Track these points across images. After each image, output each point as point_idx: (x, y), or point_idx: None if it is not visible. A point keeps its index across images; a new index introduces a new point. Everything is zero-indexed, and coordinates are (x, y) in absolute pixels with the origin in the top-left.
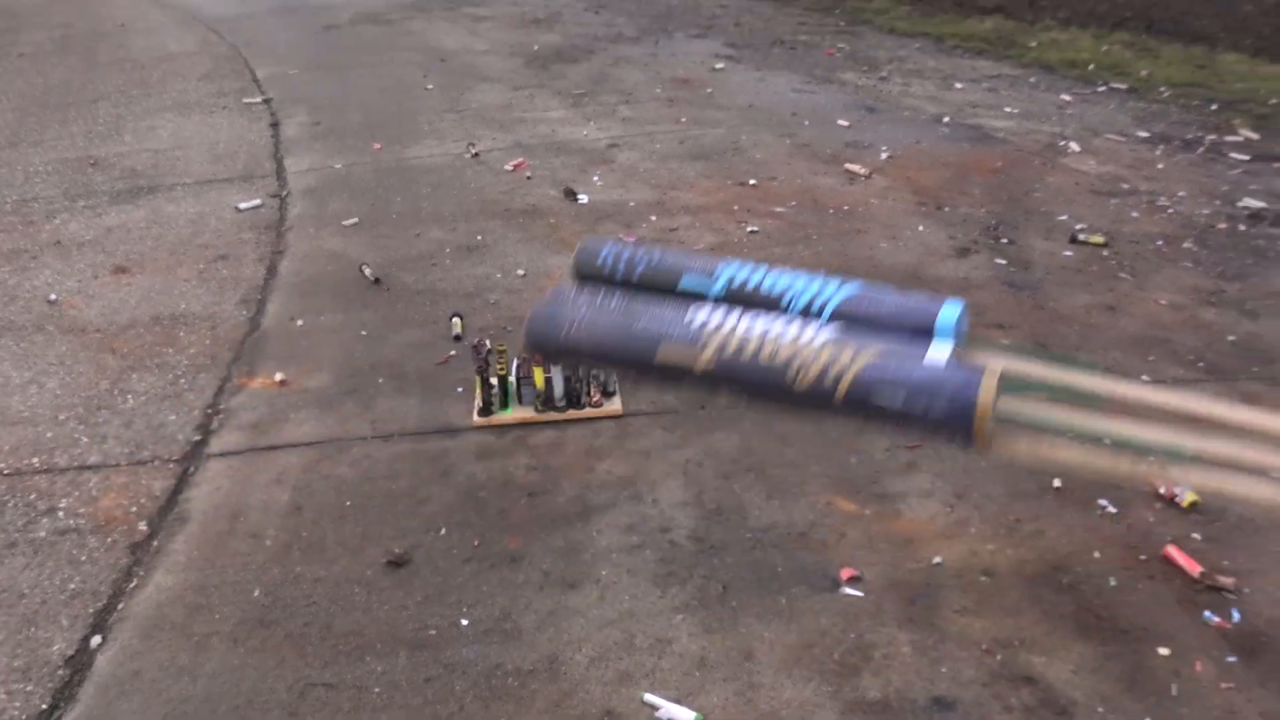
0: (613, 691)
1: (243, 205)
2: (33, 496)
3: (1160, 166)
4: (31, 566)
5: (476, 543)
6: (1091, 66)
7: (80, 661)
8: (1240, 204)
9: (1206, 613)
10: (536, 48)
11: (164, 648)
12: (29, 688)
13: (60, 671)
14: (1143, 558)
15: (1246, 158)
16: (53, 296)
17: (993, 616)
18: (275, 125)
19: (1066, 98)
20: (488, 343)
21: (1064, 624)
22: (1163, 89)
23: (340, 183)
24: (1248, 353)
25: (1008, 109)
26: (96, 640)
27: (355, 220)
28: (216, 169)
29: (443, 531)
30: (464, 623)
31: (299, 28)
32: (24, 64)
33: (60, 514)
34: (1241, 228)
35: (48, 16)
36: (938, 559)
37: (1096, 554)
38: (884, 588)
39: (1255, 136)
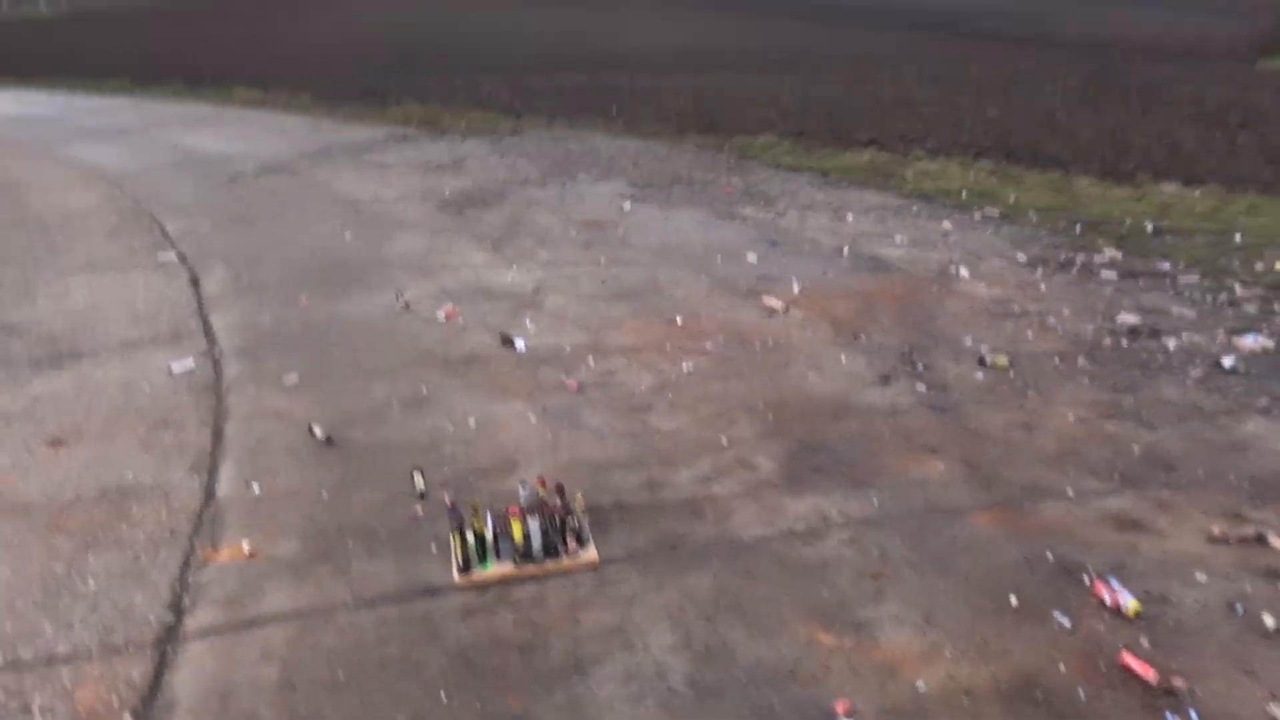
0: None
1: (176, 367)
2: (1, 697)
3: (1043, 288)
4: None
5: (479, 705)
6: (964, 194)
7: None
8: (1119, 319)
9: (1169, 715)
10: (447, 193)
11: None
12: None
13: None
14: (1102, 668)
15: (1115, 275)
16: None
17: None
18: (195, 282)
19: (948, 225)
20: (460, 498)
21: None
22: (1030, 213)
23: (272, 339)
24: (1153, 462)
25: (898, 238)
26: None
27: (295, 378)
28: (140, 331)
29: (443, 697)
30: None
31: (203, 181)
32: None
33: (36, 713)
34: (1124, 342)
35: None
36: (921, 684)
37: (1061, 667)
38: (877, 717)
39: (1118, 255)
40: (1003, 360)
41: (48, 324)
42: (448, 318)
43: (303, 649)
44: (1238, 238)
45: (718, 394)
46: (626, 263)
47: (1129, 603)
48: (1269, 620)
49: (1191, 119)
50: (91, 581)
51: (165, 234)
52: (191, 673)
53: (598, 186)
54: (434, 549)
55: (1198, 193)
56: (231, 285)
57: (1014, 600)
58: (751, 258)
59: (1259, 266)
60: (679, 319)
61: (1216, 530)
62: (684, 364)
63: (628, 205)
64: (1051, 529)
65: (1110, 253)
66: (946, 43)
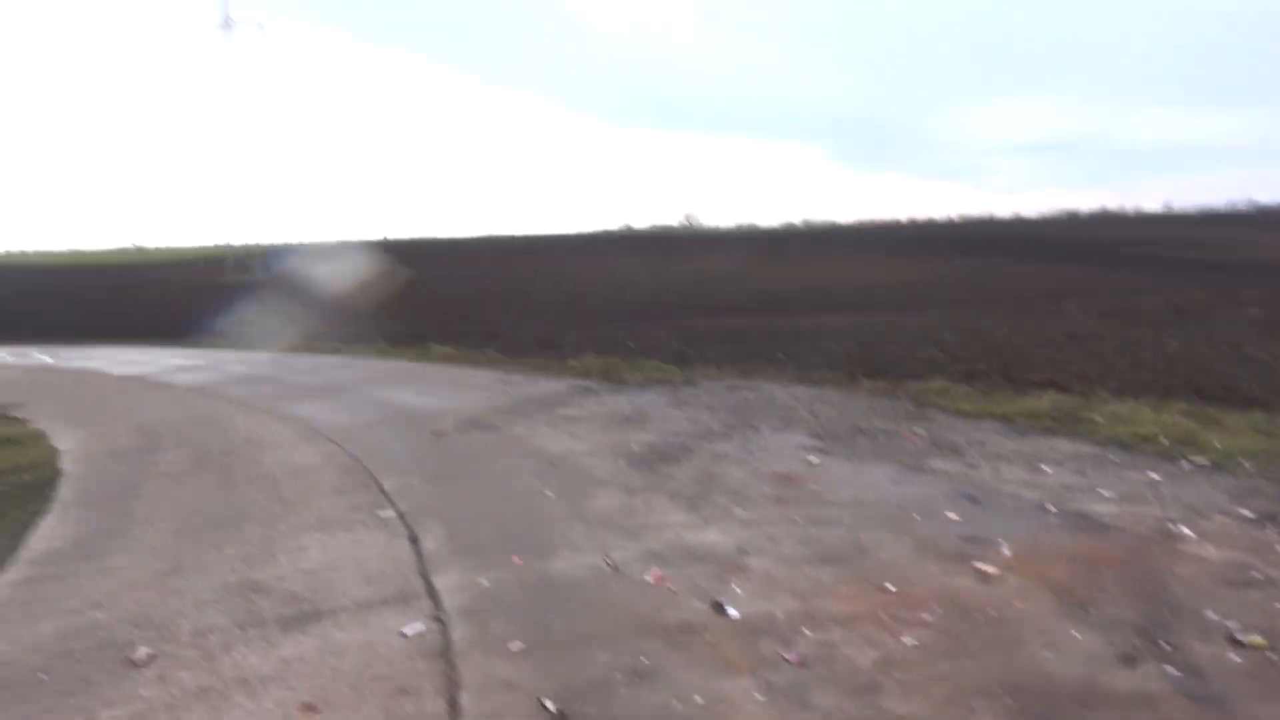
0: None
1: (407, 631)
2: None
3: (1278, 546)
4: None
5: None
6: (1164, 440)
7: None
8: None
9: None
10: (635, 448)
11: None
12: None
13: None
14: None
15: None
16: None
17: None
18: (414, 540)
19: (1155, 476)
20: None
21: None
22: (1243, 461)
23: (492, 601)
24: None
25: (1103, 491)
26: None
27: (519, 644)
28: (370, 591)
29: None
30: None
31: (410, 437)
32: (168, 483)
33: None
34: None
35: (182, 433)
36: None
37: None
38: None
39: None
40: (1258, 640)
41: (289, 582)
42: (655, 581)
43: None
44: None
45: (948, 673)
46: (824, 522)
47: None
48: None
49: None
50: None
51: (383, 491)
52: None
53: (780, 438)
54: None
55: None
56: (447, 544)
57: None
58: (952, 515)
59: None
60: (890, 585)
61: None
62: (905, 638)
63: (814, 459)
64: None
65: None
66: (1107, 274)
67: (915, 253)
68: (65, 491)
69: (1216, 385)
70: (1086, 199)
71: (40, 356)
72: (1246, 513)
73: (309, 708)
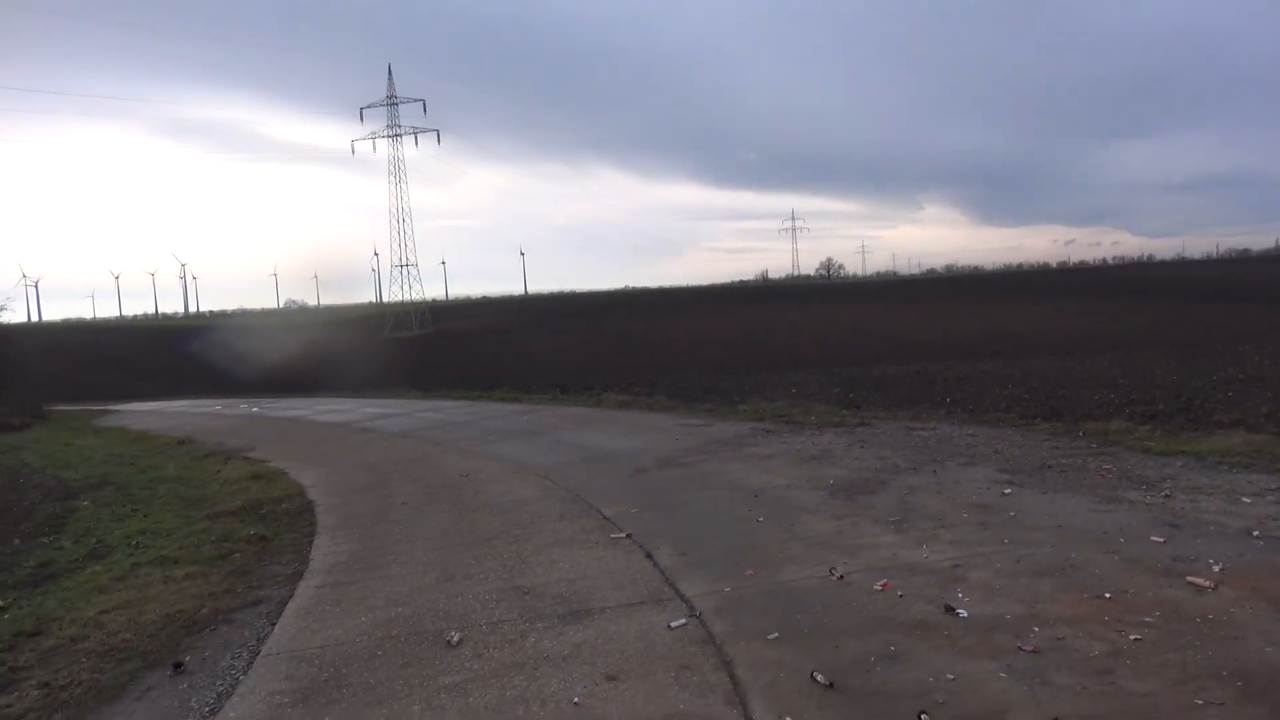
0: None
1: (673, 625)
2: None
3: None
4: None
5: None
6: None
7: None
8: None
9: None
10: (831, 481)
11: None
12: None
13: None
14: None
15: None
16: (576, 699)
17: None
18: (649, 556)
19: None
20: None
21: None
22: None
23: (739, 603)
24: None
25: None
26: None
27: (776, 634)
28: (626, 594)
29: None
30: None
31: (614, 473)
32: (409, 512)
33: None
34: None
35: (404, 470)
36: None
37: None
38: None
39: None
40: None
41: (553, 587)
42: (884, 589)
43: None
44: None
45: (1176, 662)
46: (1030, 543)
47: None
48: None
49: None
50: None
51: (605, 517)
52: None
53: (968, 472)
54: None
55: None
56: (680, 559)
57: None
58: (1156, 538)
59: None
60: (1107, 594)
61: None
62: (1130, 634)
63: (1008, 490)
64: None
65: None
66: (1274, 315)
67: (1068, 297)
68: (325, 518)
69: None
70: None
71: (246, 407)
72: None
73: (610, 677)
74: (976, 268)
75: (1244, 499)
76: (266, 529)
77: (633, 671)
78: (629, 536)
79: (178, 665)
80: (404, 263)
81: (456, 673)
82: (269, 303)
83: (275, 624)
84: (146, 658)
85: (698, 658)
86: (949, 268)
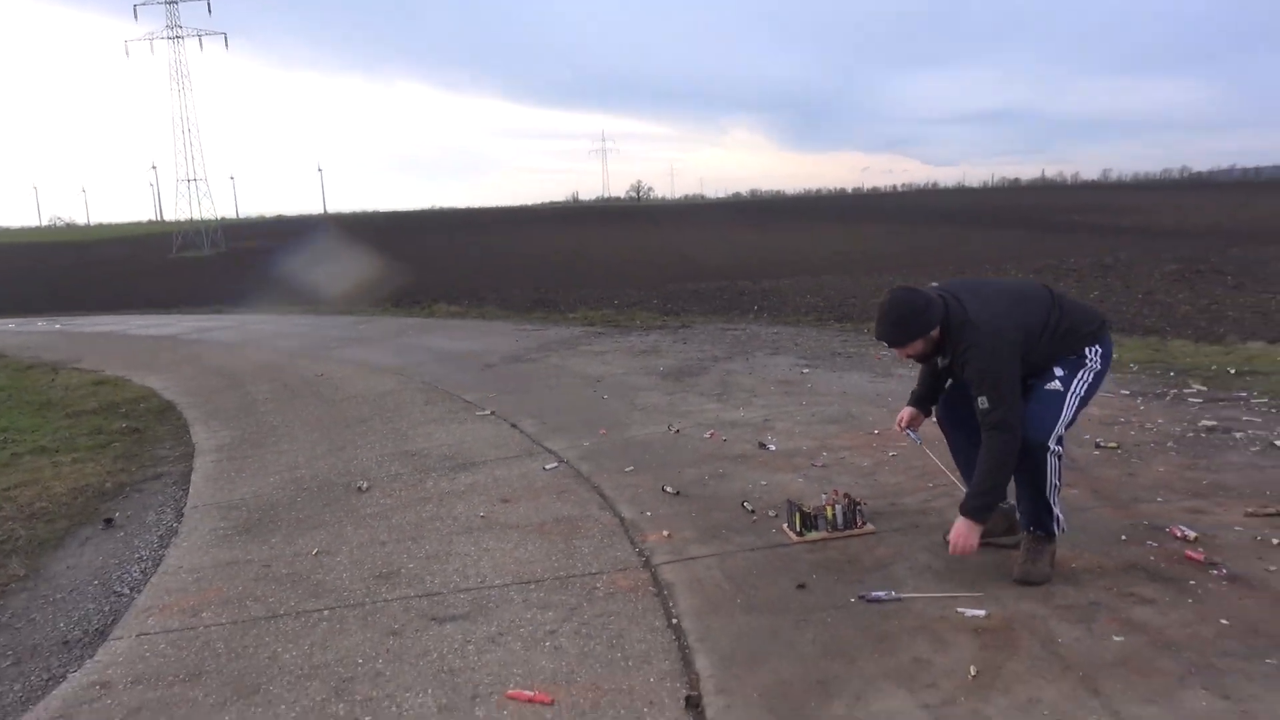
0: None
1: (547, 467)
2: (578, 588)
3: (1142, 408)
4: (609, 616)
5: (829, 585)
6: None
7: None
8: (1200, 423)
9: None
10: (661, 369)
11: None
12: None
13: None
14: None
15: (1201, 400)
16: (481, 514)
17: None
18: (515, 426)
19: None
20: (792, 501)
21: None
22: (1131, 365)
23: (598, 452)
24: (1217, 486)
25: None
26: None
27: (631, 467)
28: (503, 452)
29: (809, 581)
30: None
31: (465, 369)
32: (276, 405)
33: (598, 589)
34: (1203, 435)
35: (257, 374)
36: None
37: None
38: None
39: (1204, 388)
40: (1113, 444)
41: (439, 450)
42: (712, 437)
43: (725, 565)
44: None
45: (917, 467)
46: (823, 404)
47: (1192, 535)
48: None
49: None
50: (586, 548)
51: (467, 401)
52: (672, 574)
53: (775, 359)
54: (774, 533)
55: None
56: (543, 427)
57: (1123, 537)
58: None
59: None
60: (876, 431)
61: (1251, 510)
62: (889, 453)
63: (806, 370)
64: (1148, 515)
65: (1198, 387)
66: (1043, 239)
67: (862, 221)
68: (191, 413)
69: (1124, 321)
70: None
71: (45, 324)
72: (1124, 391)
73: (505, 500)
74: (779, 192)
75: None
76: (135, 423)
77: (522, 495)
78: (493, 413)
79: (108, 520)
80: (191, 177)
81: (374, 506)
82: (29, 220)
83: (187, 489)
84: (73, 519)
85: (572, 485)
86: (754, 192)
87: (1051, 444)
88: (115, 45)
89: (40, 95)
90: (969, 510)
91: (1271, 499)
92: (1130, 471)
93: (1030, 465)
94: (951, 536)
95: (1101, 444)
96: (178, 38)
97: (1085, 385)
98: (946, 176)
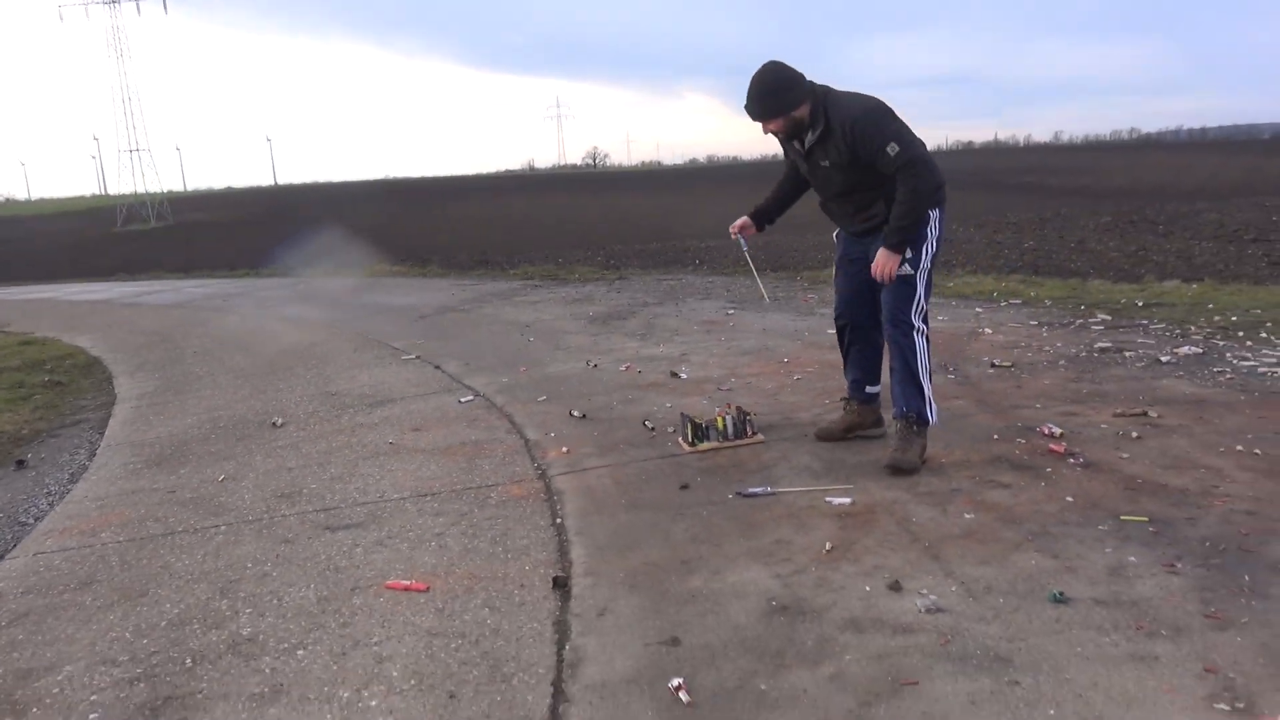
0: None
1: (462, 400)
2: (472, 498)
3: (1045, 335)
4: (497, 519)
5: (713, 486)
6: (995, 294)
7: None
8: (1096, 345)
9: None
10: (591, 314)
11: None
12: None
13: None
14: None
15: (1102, 328)
16: (390, 440)
17: None
18: (438, 368)
19: (979, 310)
20: (685, 414)
21: None
22: (1046, 301)
23: (515, 386)
24: (1094, 394)
25: (941, 316)
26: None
27: (544, 397)
28: (421, 389)
29: (694, 483)
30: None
31: (397, 320)
32: (204, 357)
33: (492, 498)
34: (1095, 354)
35: (187, 331)
36: None
37: (1018, 453)
38: None
39: (1109, 318)
40: (1008, 363)
41: (358, 390)
42: (627, 369)
43: (616, 474)
44: (1210, 306)
45: (818, 388)
46: (741, 339)
47: (1058, 431)
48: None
49: (1210, 239)
50: (487, 465)
51: (394, 348)
52: (565, 483)
53: (703, 304)
54: (669, 445)
55: (1194, 286)
56: (466, 368)
57: (994, 436)
58: (831, 331)
59: (1217, 319)
60: (786, 359)
61: (1119, 411)
62: (794, 377)
63: (731, 311)
64: (1023, 419)
65: (1103, 316)
66: (992, 199)
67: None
68: (117, 367)
69: (1052, 266)
70: (982, 132)
71: None
72: (1033, 322)
73: (416, 429)
74: (736, 158)
75: None
76: (60, 378)
77: (433, 424)
78: (418, 358)
79: (20, 463)
80: (133, 148)
81: (286, 439)
82: None
83: (104, 432)
84: None
85: (484, 414)
86: (710, 158)
87: (916, 322)
88: (49, 11)
89: None
90: (890, 245)
91: (1144, 404)
92: (1017, 385)
93: (900, 349)
94: (873, 266)
95: (997, 364)
96: (113, 1)
97: (930, 257)
98: None
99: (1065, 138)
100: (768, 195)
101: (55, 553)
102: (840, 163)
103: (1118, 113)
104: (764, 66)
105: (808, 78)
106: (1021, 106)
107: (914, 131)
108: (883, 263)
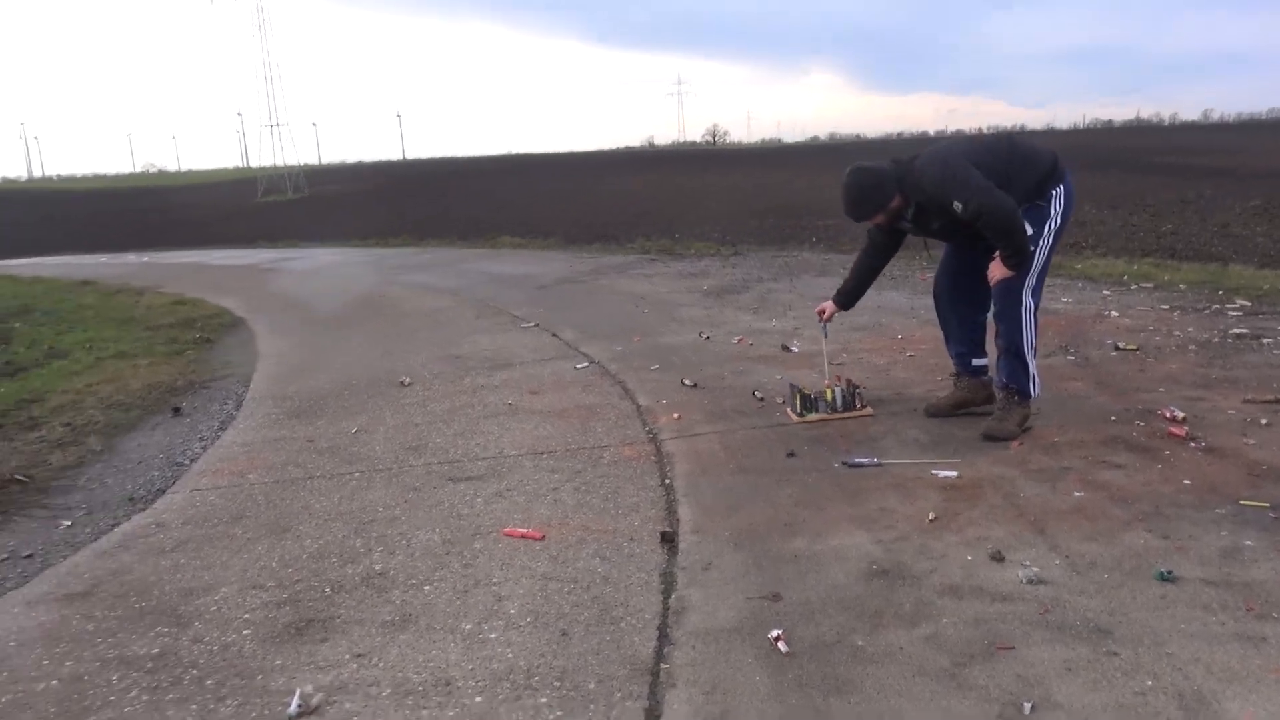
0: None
1: (578, 366)
2: (585, 457)
3: (1175, 319)
4: (609, 477)
5: (819, 455)
6: (1125, 277)
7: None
8: (1232, 331)
9: None
10: (705, 288)
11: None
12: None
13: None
14: (1160, 441)
15: (1241, 314)
16: (509, 401)
17: None
18: (555, 335)
19: (1107, 293)
20: (794, 386)
21: None
22: (1181, 285)
23: (629, 355)
24: (1223, 380)
25: (1064, 299)
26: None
27: (656, 366)
28: (540, 355)
29: (801, 451)
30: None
31: (518, 289)
32: (336, 321)
33: (604, 458)
34: (1229, 341)
35: (322, 296)
36: None
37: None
38: None
39: (1248, 304)
40: (1133, 346)
41: (480, 353)
42: (740, 342)
43: (725, 440)
44: None
45: (930, 365)
46: (856, 315)
47: (1180, 415)
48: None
49: None
50: (600, 428)
51: (514, 316)
52: (674, 447)
53: (818, 281)
54: (778, 415)
55: None
56: (581, 335)
57: (1112, 418)
58: None
59: None
60: (899, 336)
61: (1249, 398)
62: (907, 354)
63: None
64: (1145, 402)
65: (1241, 302)
66: (1131, 180)
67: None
68: (258, 327)
69: (1191, 249)
70: (1123, 110)
71: (135, 257)
72: (1164, 306)
73: (533, 392)
74: (859, 136)
75: None
76: (207, 335)
77: (550, 388)
78: (537, 325)
79: (176, 409)
80: (273, 123)
81: (413, 397)
82: (123, 167)
83: (248, 386)
84: (145, 408)
85: (598, 379)
86: (832, 136)
87: (1026, 298)
88: None
89: (132, 45)
90: (1009, 266)
91: (1277, 391)
92: (1141, 368)
93: (1007, 321)
94: (990, 269)
95: (1121, 346)
96: None
97: (1052, 235)
98: (1035, 119)
99: (1216, 116)
100: (849, 274)
101: (209, 490)
102: (946, 220)
103: (1276, 87)
104: (849, 175)
105: (889, 163)
106: (1167, 83)
107: (969, 168)
108: (996, 272)
